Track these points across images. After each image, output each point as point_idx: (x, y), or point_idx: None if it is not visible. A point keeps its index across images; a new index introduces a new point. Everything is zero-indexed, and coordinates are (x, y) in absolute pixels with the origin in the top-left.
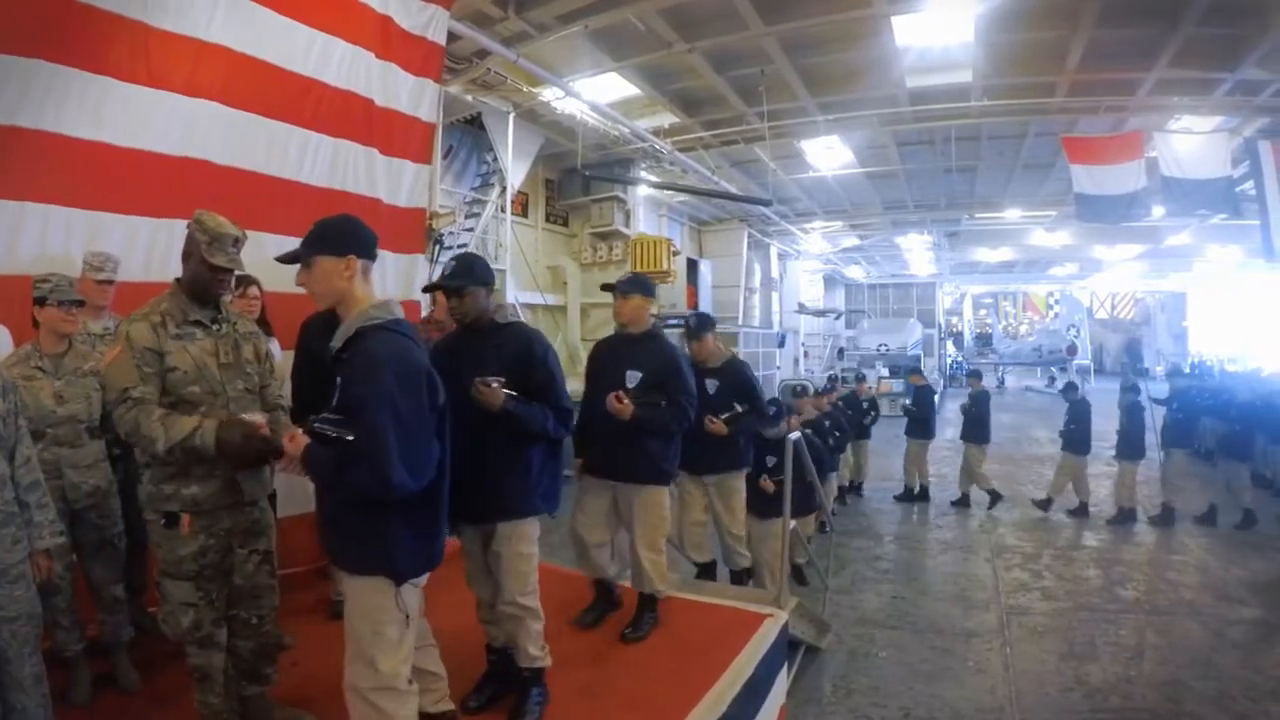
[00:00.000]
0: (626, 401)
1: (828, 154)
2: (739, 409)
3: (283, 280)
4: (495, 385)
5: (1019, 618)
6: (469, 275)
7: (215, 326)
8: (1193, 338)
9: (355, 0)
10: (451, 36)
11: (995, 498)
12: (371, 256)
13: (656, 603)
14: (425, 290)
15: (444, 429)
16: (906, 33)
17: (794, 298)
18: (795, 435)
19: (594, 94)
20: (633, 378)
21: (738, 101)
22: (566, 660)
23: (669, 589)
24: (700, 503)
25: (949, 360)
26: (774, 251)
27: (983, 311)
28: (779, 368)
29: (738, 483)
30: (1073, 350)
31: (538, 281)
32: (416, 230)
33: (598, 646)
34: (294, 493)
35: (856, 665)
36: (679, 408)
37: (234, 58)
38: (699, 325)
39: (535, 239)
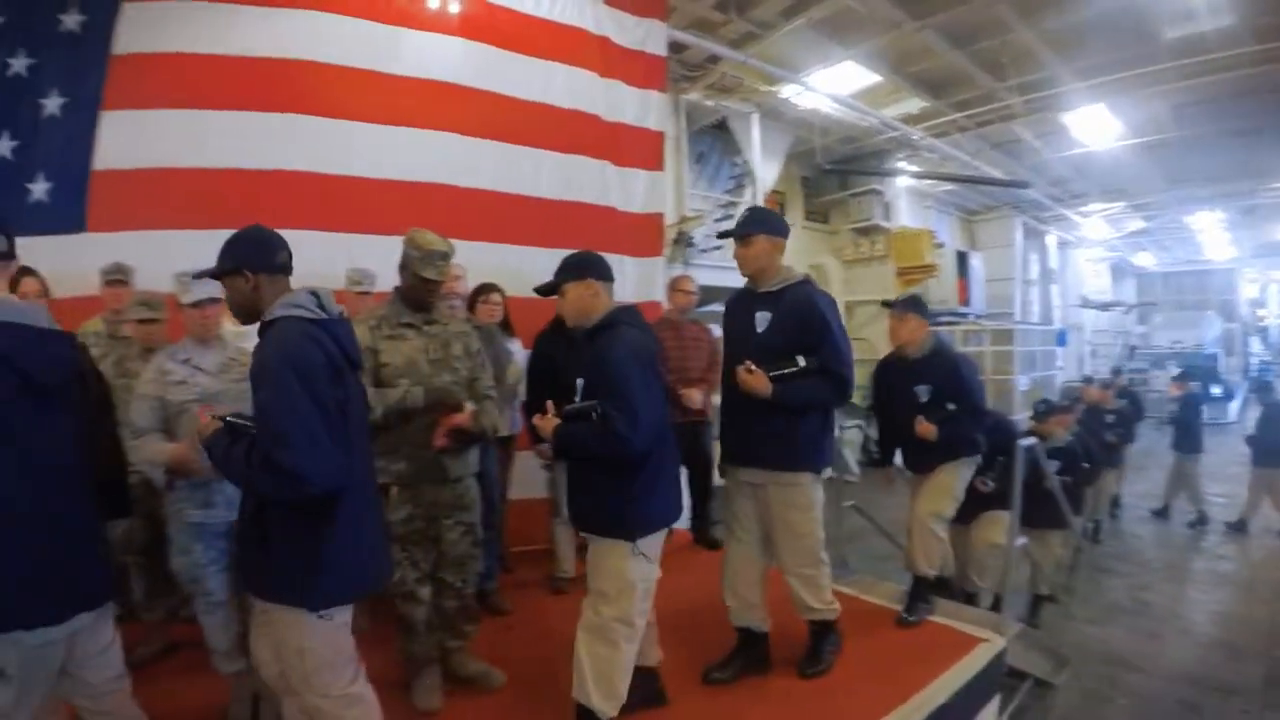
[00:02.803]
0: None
1: (1093, 125)
2: (801, 363)
3: (524, 287)
4: (200, 409)
5: None
6: (226, 257)
7: (427, 327)
8: None
9: (571, 25)
10: (679, 46)
11: (1164, 512)
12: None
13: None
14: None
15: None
16: None
17: (1076, 290)
18: (1030, 442)
19: (833, 86)
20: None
21: (984, 77)
22: None
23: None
24: (746, 510)
25: (1255, 360)
26: (1051, 240)
27: None
28: (1061, 367)
29: (798, 495)
30: None
31: None
32: (653, 235)
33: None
34: (525, 478)
35: (1088, 709)
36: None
37: (465, 93)
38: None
39: (796, 238)
